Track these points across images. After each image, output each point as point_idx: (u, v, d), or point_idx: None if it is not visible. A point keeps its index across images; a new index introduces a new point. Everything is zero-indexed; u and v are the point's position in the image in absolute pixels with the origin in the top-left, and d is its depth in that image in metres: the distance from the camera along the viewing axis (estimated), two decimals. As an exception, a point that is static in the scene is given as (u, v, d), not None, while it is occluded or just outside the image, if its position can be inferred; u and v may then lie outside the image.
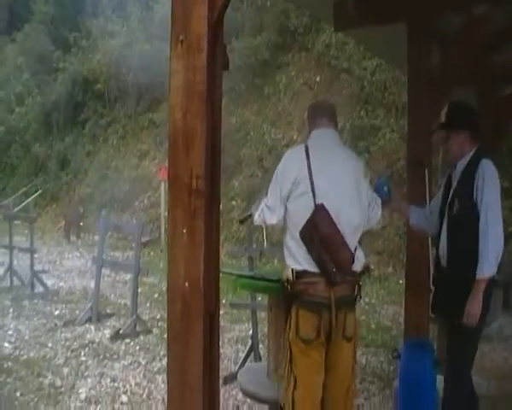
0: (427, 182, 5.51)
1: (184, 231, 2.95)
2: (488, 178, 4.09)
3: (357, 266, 3.68)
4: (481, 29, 5.68)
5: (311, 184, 3.58)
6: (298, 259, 3.62)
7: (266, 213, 3.70)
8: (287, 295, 3.70)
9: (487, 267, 3.99)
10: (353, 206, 3.71)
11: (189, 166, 2.91)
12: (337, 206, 3.59)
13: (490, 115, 8.39)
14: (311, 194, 3.58)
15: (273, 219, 3.71)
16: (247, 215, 4.43)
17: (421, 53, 5.62)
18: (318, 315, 3.59)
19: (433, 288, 4.75)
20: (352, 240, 3.64)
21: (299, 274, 3.60)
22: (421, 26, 5.63)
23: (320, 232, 3.53)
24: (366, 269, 3.83)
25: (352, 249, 3.63)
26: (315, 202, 3.56)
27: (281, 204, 3.66)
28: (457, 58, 5.80)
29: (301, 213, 3.58)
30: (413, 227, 5.04)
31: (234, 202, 17.11)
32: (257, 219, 3.78)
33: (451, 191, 4.34)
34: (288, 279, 3.65)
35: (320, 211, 3.55)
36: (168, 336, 3.14)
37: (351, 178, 3.75)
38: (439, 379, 4.81)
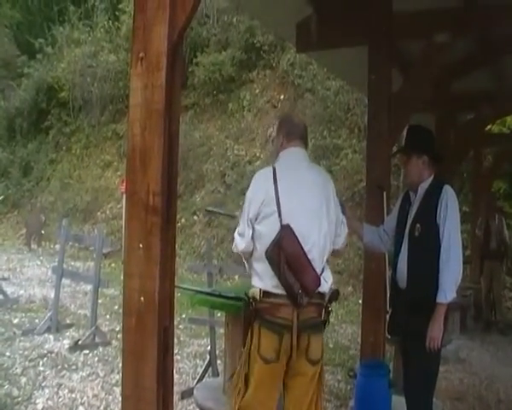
0: (386, 204, 5.58)
1: (140, 246, 2.96)
2: (451, 205, 4.17)
3: (325, 287, 3.64)
4: (442, 56, 5.79)
5: (278, 204, 3.57)
6: (264, 280, 3.60)
7: (237, 239, 3.72)
8: (249, 312, 3.67)
9: (449, 292, 4.06)
10: (320, 227, 3.67)
11: (146, 182, 2.93)
12: (303, 227, 3.57)
13: (449, 141, 8.57)
14: (277, 215, 3.56)
15: (242, 245, 3.70)
16: (220, 212, 4.43)
17: (381, 77, 5.71)
18: (279, 336, 3.55)
19: (389, 309, 4.82)
20: (318, 261, 3.61)
21: (265, 294, 3.58)
22: (382, 51, 5.73)
23: (285, 253, 3.50)
24: (335, 294, 3.78)
25: (319, 270, 3.59)
26: (281, 222, 3.54)
27: (248, 228, 3.65)
28: (417, 83, 5.89)
29: (268, 234, 3.56)
30: (366, 246, 5.11)
31: (196, 217, 17.09)
32: (233, 248, 3.84)
33: (412, 214, 4.38)
34: (254, 298, 3.62)
35: (285, 232, 3.53)
36: (123, 349, 3.14)
37: (318, 199, 3.72)
38: (394, 399, 4.87)
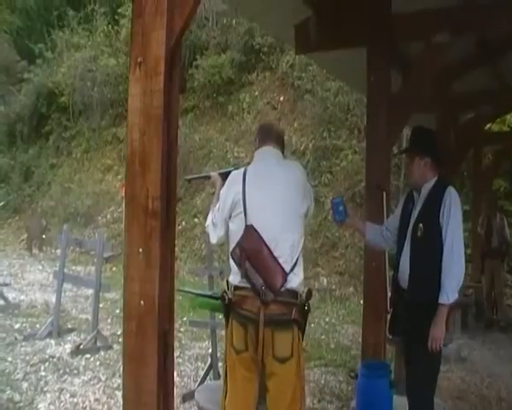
0: (385, 205, 5.59)
1: (140, 250, 2.97)
2: (454, 206, 4.19)
3: (293, 283, 3.65)
4: (441, 57, 5.79)
5: (244, 205, 3.68)
6: (233, 274, 3.73)
7: (211, 229, 3.93)
8: (224, 306, 3.79)
9: (451, 294, 4.08)
10: (288, 223, 3.72)
11: (146, 186, 2.95)
12: (269, 225, 3.64)
13: (449, 141, 8.57)
14: (243, 215, 3.68)
15: (214, 239, 3.95)
16: (198, 177, 4.54)
17: (380, 78, 5.72)
18: (244, 329, 3.65)
19: (390, 310, 4.83)
20: (287, 258, 3.65)
21: (235, 288, 3.71)
22: (381, 52, 5.73)
23: (246, 252, 3.61)
24: (308, 294, 3.79)
25: (289, 267, 3.63)
26: (246, 223, 3.66)
27: (222, 223, 3.83)
28: (417, 84, 5.90)
29: (236, 234, 3.69)
30: (368, 243, 5.10)
31: (196, 220, 17.09)
32: (206, 227, 4.02)
33: (415, 214, 4.39)
34: (225, 291, 3.78)
35: (247, 232, 3.64)
36: (123, 353, 3.16)
37: (287, 195, 3.77)
38: (396, 399, 4.87)
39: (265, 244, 3.60)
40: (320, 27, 5.98)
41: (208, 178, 4.52)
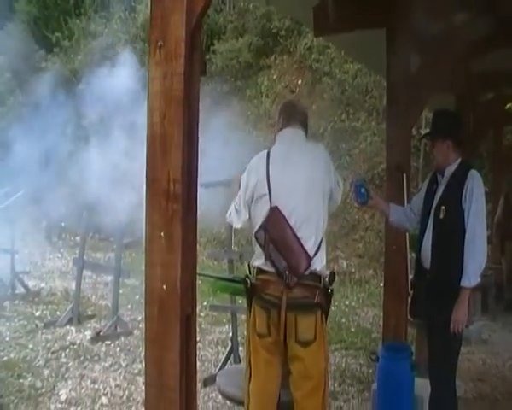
0: (406, 186, 5.57)
1: (162, 234, 2.96)
2: (477, 191, 4.22)
3: (317, 266, 3.65)
4: (461, 36, 5.73)
5: (268, 187, 3.67)
6: (257, 257, 3.73)
7: (234, 216, 3.87)
8: (247, 290, 3.80)
9: (473, 277, 4.12)
10: (311, 205, 3.70)
11: (167, 169, 2.92)
12: (293, 207, 3.63)
13: (469, 121, 8.48)
14: (267, 197, 3.66)
15: (238, 223, 3.88)
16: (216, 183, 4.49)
17: (400, 58, 5.67)
18: (267, 313, 3.67)
19: (411, 292, 4.82)
20: (310, 240, 3.64)
21: (258, 271, 3.72)
22: (401, 32, 5.68)
23: (270, 234, 3.60)
24: (331, 277, 3.78)
25: (312, 250, 3.63)
26: (270, 204, 3.64)
27: (245, 207, 3.80)
28: (437, 64, 5.84)
29: (261, 216, 3.68)
30: (392, 224, 5.09)
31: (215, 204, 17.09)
32: (227, 217, 3.94)
33: (438, 196, 4.42)
34: (247, 275, 3.79)
35: (272, 214, 3.63)
36: (145, 338, 3.15)
37: (310, 177, 3.75)
38: (417, 382, 4.86)
39: (290, 226, 3.60)
40: (339, 8, 5.91)
41: (227, 185, 4.45)
